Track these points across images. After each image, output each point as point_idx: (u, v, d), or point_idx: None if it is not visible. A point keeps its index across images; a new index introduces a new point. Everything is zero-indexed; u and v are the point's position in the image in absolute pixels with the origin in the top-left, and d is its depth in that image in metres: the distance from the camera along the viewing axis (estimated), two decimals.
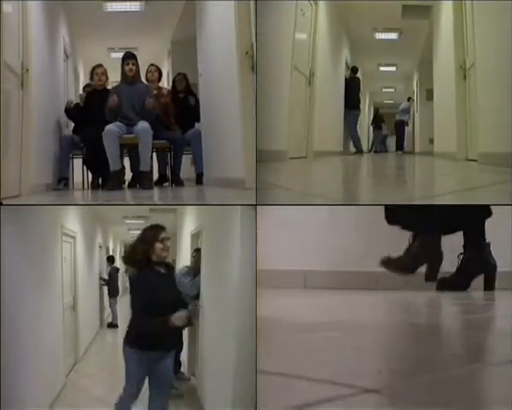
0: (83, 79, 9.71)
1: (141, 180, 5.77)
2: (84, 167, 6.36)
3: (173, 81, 6.91)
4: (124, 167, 6.22)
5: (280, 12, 6.11)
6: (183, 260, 7.15)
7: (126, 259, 3.56)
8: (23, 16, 4.61)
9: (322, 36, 8.47)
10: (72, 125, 6.79)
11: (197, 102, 6.59)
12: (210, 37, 6.18)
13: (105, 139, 5.56)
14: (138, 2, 7.89)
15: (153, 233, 3.49)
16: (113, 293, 9.78)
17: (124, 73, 5.82)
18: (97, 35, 9.26)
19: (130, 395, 3.51)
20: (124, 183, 5.96)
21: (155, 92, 6.27)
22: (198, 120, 6.55)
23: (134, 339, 3.43)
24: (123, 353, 3.48)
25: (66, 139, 6.30)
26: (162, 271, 3.50)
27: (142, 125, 5.61)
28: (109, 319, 9.96)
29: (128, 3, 7.90)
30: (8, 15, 4.07)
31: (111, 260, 10.10)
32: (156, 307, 3.33)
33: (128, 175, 6.44)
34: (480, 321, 2.91)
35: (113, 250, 12.04)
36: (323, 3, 8.38)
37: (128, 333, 3.48)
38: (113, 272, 9.93)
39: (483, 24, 5.70)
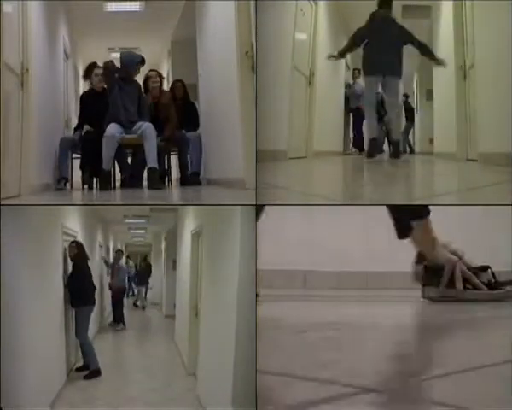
0: (83, 79, 9.71)
1: (149, 178, 5.63)
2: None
3: (171, 89, 6.90)
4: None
5: (280, 12, 6.12)
6: (184, 258, 7.17)
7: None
8: (23, 16, 4.61)
9: (322, 36, 8.46)
10: (73, 124, 6.80)
11: (195, 109, 6.65)
12: (210, 37, 6.19)
13: (105, 142, 5.64)
14: (138, 2, 7.90)
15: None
16: (141, 281, 13.70)
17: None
18: (97, 35, 9.28)
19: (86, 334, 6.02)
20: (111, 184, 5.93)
21: (157, 96, 6.40)
22: (197, 126, 6.61)
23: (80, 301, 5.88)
24: (77, 309, 5.89)
25: (65, 140, 6.29)
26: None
27: (146, 124, 5.68)
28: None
29: (128, 3, 7.91)
30: (8, 15, 4.07)
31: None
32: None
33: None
34: None
35: (114, 249, 12.02)
36: (323, 3, 8.38)
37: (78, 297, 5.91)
38: (146, 266, 13.56)
39: (483, 24, 5.70)
